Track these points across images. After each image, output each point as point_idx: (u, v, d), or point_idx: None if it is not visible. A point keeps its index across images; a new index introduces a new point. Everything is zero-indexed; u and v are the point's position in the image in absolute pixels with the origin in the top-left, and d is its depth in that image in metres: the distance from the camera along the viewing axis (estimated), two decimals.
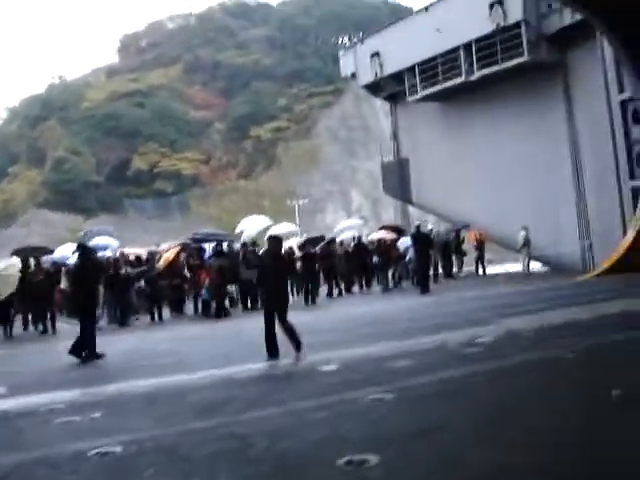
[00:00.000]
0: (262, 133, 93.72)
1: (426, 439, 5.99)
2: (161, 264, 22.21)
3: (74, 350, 13.32)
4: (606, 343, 10.33)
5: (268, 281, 12.00)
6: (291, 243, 25.69)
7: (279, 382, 10.24)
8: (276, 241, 12.83)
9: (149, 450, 6.41)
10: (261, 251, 14.09)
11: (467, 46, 31.76)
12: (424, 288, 23.88)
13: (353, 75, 40.14)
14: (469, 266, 32.79)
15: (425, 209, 39.18)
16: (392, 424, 6.64)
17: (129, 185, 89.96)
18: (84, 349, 13.44)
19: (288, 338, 11.67)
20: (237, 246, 24.32)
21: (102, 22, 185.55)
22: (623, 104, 26.18)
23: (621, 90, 26.15)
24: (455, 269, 31.79)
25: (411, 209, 43.39)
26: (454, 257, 32.07)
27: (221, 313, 21.64)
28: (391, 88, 37.71)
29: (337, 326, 16.59)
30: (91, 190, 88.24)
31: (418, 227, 26.90)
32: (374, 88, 39.53)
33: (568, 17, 27.77)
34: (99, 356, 13.51)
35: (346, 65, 40.40)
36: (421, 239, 25.62)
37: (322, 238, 28.33)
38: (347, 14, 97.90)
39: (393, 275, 28.19)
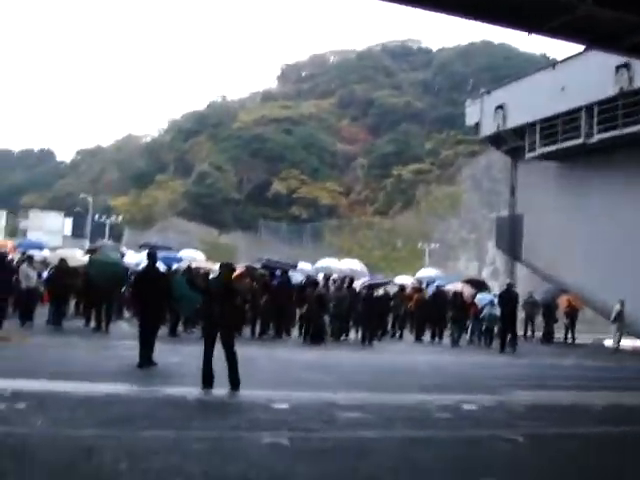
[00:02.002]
0: (404, 173, 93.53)
1: None
2: None
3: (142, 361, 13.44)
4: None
5: (216, 308, 11.79)
6: (356, 284, 25.38)
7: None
8: (228, 269, 12.61)
9: None
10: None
11: (589, 108, 30.52)
12: (503, 347, 23.59)
13: (477, 125, 39.43)
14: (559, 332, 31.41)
15: (531, 268, 37.84)
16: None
17: (266, 206, 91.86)
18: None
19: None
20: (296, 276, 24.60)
21: (268, 49, 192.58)
22: None
23: None
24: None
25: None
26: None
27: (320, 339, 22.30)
28: (512, 142, 36.78)
29: (358, 369, 16.18)
30: (229, 206, 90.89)
31: (509, 286, 26.01)
32: (496, 141, 38.67)
33: None
34: (153, 364, 13.53)
35: (471, 115, 39.73)
36: (509, 298, 24.76)
37: (388, 282, 27.92)
38: (503, 65, 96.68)
39: (466, 330, 27.37)
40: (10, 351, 14.85)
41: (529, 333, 31.06)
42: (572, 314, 30.78)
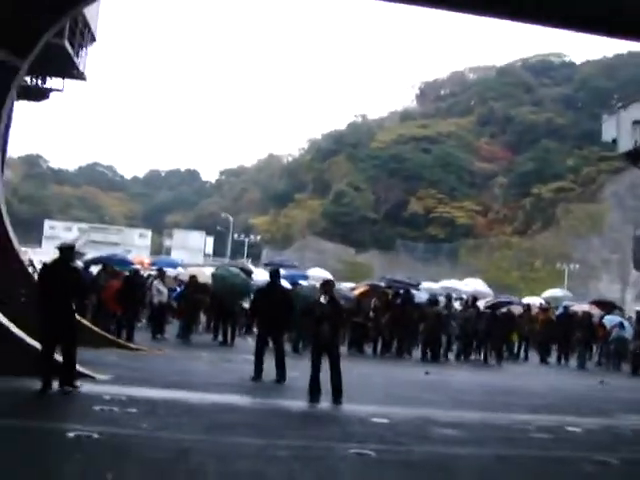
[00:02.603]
0: (544, 191, 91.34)
1: None
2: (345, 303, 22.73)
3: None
4: None
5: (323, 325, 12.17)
6: (480, 303, 25.24)
7: None
8: (329, 286, 12.89)
9: None
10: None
11: None
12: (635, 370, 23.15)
13: (614, 141, 38.24)
14: None
15: None
16: None
17: (403, 226, 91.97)
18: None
19: None
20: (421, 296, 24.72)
21: (409, 67, 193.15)
22: None
23: None
24: None
25: None
26: None
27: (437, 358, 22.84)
28: None
29: (471, 389, 16.11)
30: (366, 225, 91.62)
31: None
32: (634, 157, 37.39)
33: None
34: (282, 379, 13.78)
35: (607, 130, 38.60)
36: None
37: (511, 302, 27.45)
38: None
39: (595, 352, 26.62)
40: (137, 362, 15.68)
41: None
42: None
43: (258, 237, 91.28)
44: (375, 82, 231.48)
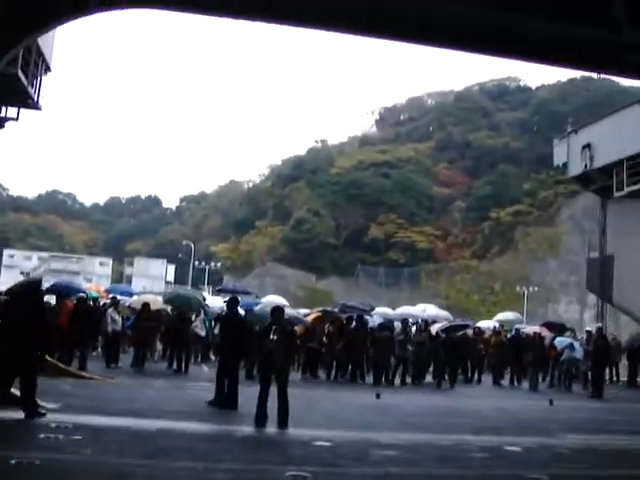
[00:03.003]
0: (502, 215, 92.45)
1: None
2: (299, 328, 22.91)
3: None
4: None
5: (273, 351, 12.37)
6: (435, 327, 25.57)
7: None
8: (280, 313, 13.13)
9: None
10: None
11: None
12: (598, 392, 23.42)
13: (565, 165, 39.04)
14: None
15: (623, 310, 36.91)
16: None
17: (364, 251, 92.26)
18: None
19: None
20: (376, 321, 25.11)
21: (368, 92, 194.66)
22: None
23: None
24: None
25: None
26: None
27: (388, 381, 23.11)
28: (600, 182, 36.14)
29: (419, 412, 16.38)
30: (327, 251, 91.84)
31: (600, 329, 25.91)
32: (583, 180, 38.20)
33: None
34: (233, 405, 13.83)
35: (559, 155, 39.42)
36: (601, 343, 24.75)
37: (466, 326, 27.81)
38: (604, 102, 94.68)
39: (546, 374, 27.11)
40: (88, 391, 15.73)
41: (614, 377, 30.37)
42: None
43: (219, 264, 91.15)
44: (335, 107, 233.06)
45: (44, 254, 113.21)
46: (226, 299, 18.98)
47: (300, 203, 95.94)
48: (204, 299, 26.51)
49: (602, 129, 35.20)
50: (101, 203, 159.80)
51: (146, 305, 22.68)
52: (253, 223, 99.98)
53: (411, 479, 8.51)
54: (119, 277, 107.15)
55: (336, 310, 26.16)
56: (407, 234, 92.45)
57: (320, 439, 10.78)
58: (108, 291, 29.35)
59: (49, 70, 28.25)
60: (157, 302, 24.15)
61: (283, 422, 11.85)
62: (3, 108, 28.88)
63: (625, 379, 29.92)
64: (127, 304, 25.83)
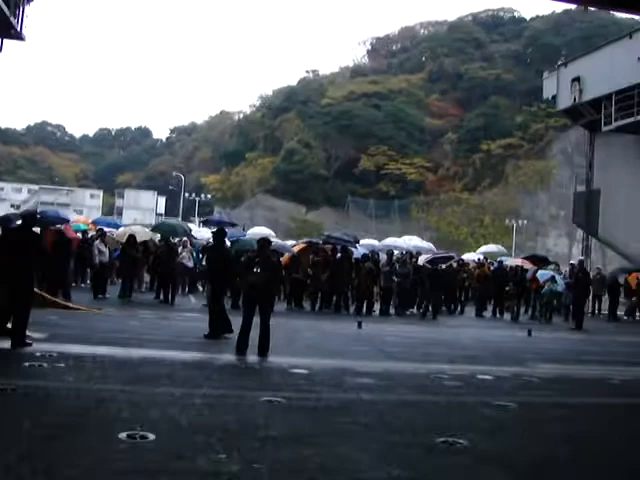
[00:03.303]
0: (493, 148, 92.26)
1: None
2: (284, 258, 23.19)
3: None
4: None
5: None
6: (420, 259, 25.86)
7: None
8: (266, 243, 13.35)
9: None
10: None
11: None
12: (578, 324, 23.87)
13: (554, 98, 38.94)
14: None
15: (607, 244, 37.32)
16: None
17: (354, 183, 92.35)
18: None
19: None
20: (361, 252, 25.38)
21: (360, 21, 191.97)
22: None
23: None
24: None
25: None
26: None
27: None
28: (589, 115, 36.16)
29: (400, 342, 16.76)
30: (317, 183, 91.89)
31: (581, 262, 26.26)
32: (573, 114, 38.16)
33: None
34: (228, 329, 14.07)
35: (548, 87, 39.27)
36: (582, 276, 25.09)
37: (451, 257, 28.10)
38: (599, 34, 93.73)
39: (528, 306, 27.62)
40: (75, 320, 15.99)
41: (596, 311, 30.93)
42: None
43: (209, 196, 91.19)
44: (326, 37, 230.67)
45: (34, 186, 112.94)
46: (213, 230, 19.10)
47: (291, 134, 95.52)
48: (190, 230, 26.79)
49: (592, 62, 35.06)
50: (90, 135, 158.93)
51: (131, 237, 22.78)
52: (244, 154, 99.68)
53: (382, 404, 8.79)
54: (110, 209, 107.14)
55: (320, 242, 26.37)
56: (398, 166, 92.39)
57: (298, 367, 11.06)
58: (94, 223, 29.45)
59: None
60: (144, 233, 24.34)
61: (263, 350, 12.14)
62: None
63: (606, 312, 30.51)
64: (114, 236, 26.03)
